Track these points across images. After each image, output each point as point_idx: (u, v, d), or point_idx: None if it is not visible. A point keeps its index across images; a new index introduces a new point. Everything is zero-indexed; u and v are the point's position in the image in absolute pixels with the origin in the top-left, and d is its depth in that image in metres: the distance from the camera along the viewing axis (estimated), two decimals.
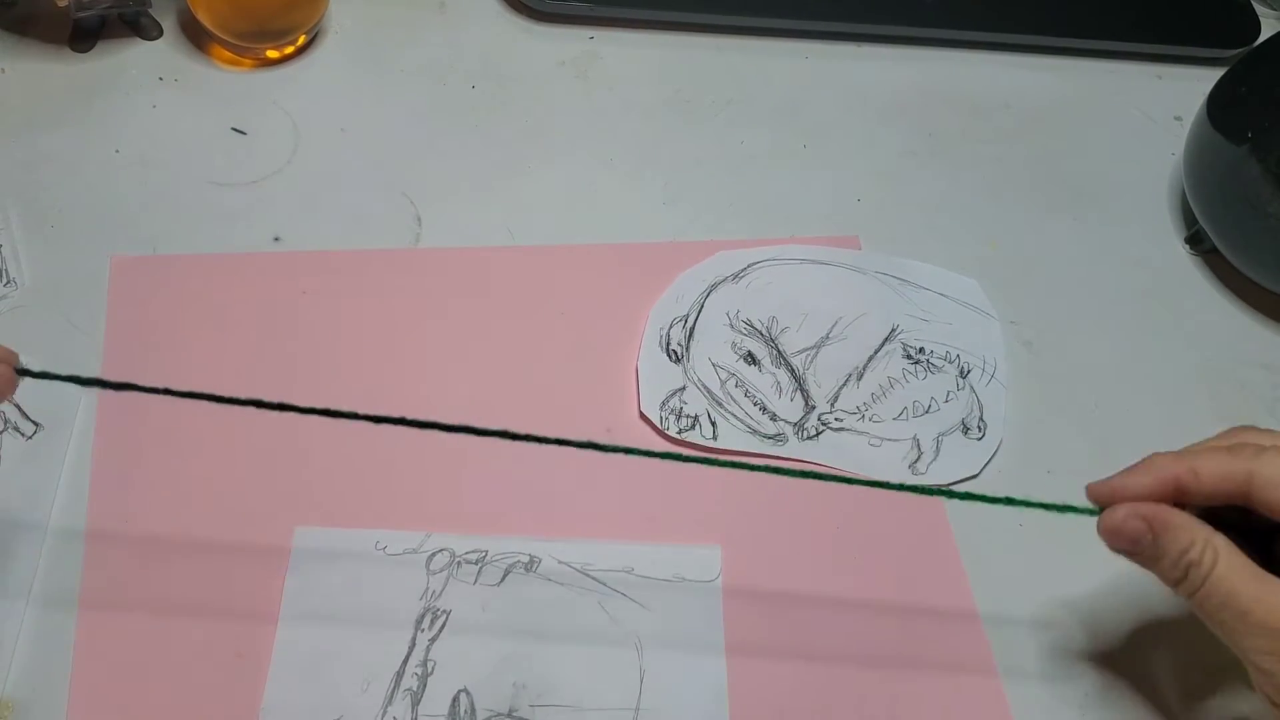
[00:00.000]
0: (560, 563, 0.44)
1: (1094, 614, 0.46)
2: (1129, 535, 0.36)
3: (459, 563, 0.44)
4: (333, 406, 0.47)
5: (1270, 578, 0.33)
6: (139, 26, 0.60)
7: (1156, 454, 0.36)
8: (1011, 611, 0.45)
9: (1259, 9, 0.69)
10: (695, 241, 0.55)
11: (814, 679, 0.43)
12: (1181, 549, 0.34)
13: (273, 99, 0.58)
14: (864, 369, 0.51)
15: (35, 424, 0.46)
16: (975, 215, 0.59)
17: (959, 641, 0.44)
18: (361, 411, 0.47)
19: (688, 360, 0.51)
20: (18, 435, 0.45)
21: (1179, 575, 0.35)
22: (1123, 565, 0.47)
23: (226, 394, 0.47)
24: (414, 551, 0.44)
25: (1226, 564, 0.34)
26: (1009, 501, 0.38)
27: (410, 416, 0.47)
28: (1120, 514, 0.36)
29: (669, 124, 0.61)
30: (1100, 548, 0.48)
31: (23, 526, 0.43)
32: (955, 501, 0.48)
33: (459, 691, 0.41)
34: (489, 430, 0.38)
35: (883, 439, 0.49)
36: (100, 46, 0.59)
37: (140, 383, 0.47)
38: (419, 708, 0.41)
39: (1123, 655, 0.45)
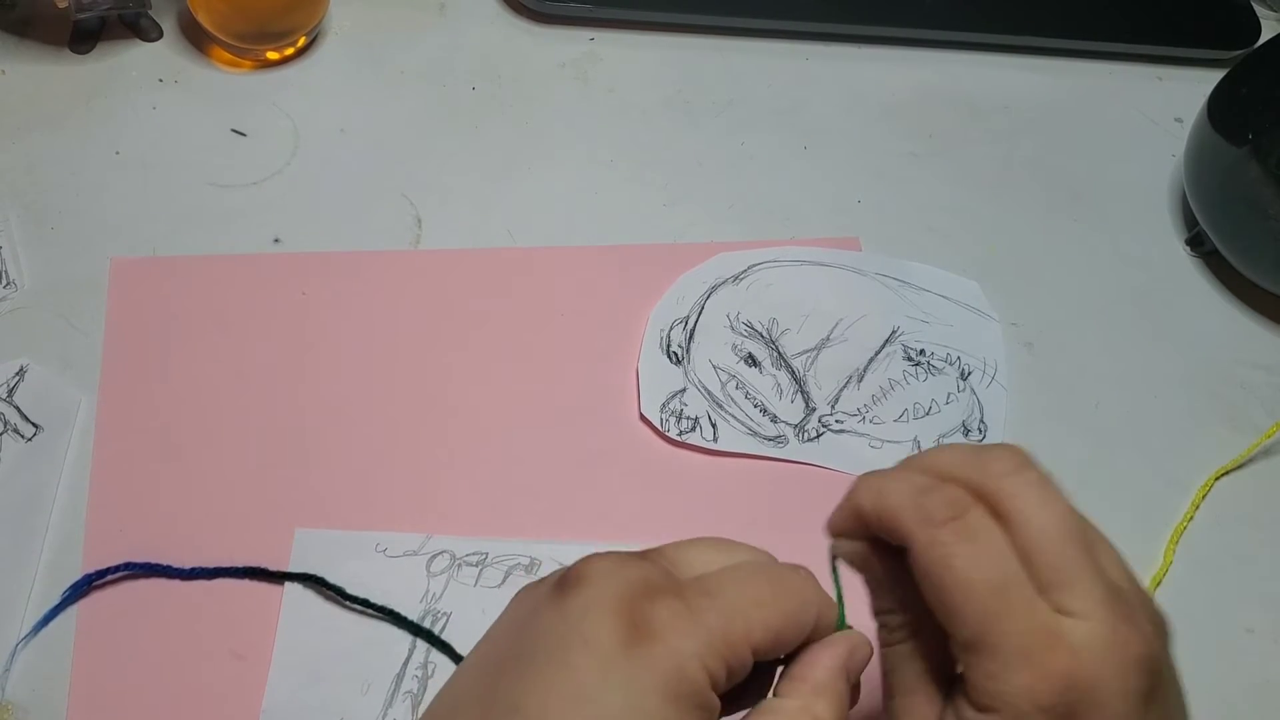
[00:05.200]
0: (561, 565, 0.44)
1: None
2: (850, 562, 0.32)
3: (459, 565, 0.44)
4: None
5: (925, 690, 0.30)
6: (139, 28, 0.59)
7: (863, 475, 0.31)
8: None
9: (1259, 10, 0.69)
10: (696, 243, 0.55)
11: None
12: (882, 606, 0.31)
13: (273, 100, 0.58)
14: (864, 371, 0.51)
15: (35, 426, 0.46)
16: (976, 217, 0.59)
17: None
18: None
19: (688, 362, 0.51)
20: (18, 437, 0.45)
21: (878, 622, 0.31)
22: None
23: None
24: (414, 553, 0.44)
25: (908, 653, 0.30)
26: None
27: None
28: (841, 546, 0.32)
29: (669, 125, 0.61)
30: None
31: (23, 528, 0.43)
32: None
33: None
34: None
35: (883, 441, 0.49)
36: (100, 48, 0.59)
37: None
38: (419, 710, 0.40)
39: None
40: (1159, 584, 0.47)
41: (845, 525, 0.31)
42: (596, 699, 0.26)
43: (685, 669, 0.26)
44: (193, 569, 0.43)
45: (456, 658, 0.41)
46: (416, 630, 0.42)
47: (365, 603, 0.42)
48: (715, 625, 0.27)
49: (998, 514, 0.28)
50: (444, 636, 0.42)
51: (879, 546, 0.31)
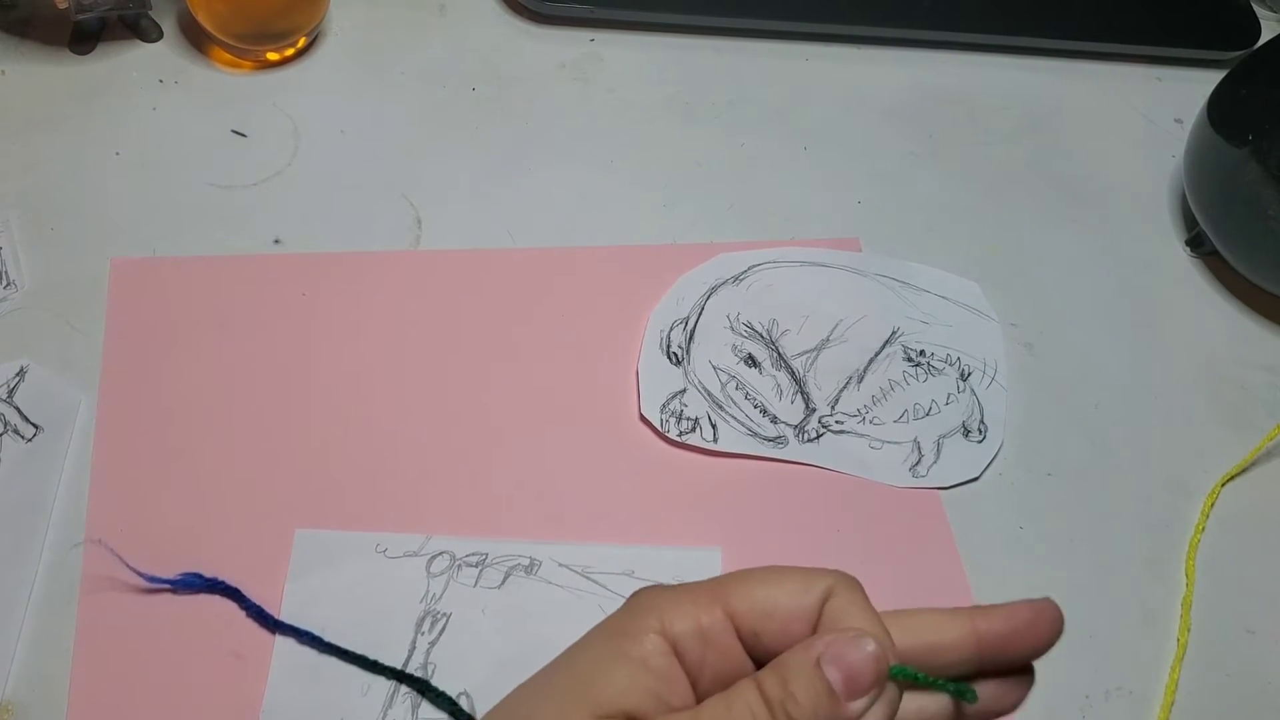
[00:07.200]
0: (561, 565, 0.44)
1: (1094, 616, 0.46)
2: None
3: (459, 565, 0.44)
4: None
5: None
6: (139, 29, 0.60)
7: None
8: None
9: (1259, 11, 0.70)
10: (695, 244, 0.55)
11: None
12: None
13: (273, 101, 0.58)
14: (864, 371, 0.51)
15: (35, 426, 0.46)
16: (976, 217, 0.59)
17: None
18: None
19: (688, 363, 0.51)
20: (18, 438, 0.45)
21: None
22: (1122, 568, 0.47)
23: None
24: (414, 554, 0.44)
25: None
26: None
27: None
28: None
29: (669, 126, 0.61)
30: (1099, 550, 0.48)
31: (23, 528, 0.43)
32: (955, 503, 0.48)
33: (459, 694, 0.41)
34: None
35: (883, 441, 0.49)
36: (100, 49, 0.59)
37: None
38: (419, 711, 0.40)
39: (1124, 658, 0.45)
40: (1190, 606, 0.46)
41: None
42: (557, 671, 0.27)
43: (637, 625, 0.27)
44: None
45: (448, 702, 0.41)
46: (405, 679, 0.41)
47: (364, 660, 0.41)
48: (684, 589, 0.27)
49: None
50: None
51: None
